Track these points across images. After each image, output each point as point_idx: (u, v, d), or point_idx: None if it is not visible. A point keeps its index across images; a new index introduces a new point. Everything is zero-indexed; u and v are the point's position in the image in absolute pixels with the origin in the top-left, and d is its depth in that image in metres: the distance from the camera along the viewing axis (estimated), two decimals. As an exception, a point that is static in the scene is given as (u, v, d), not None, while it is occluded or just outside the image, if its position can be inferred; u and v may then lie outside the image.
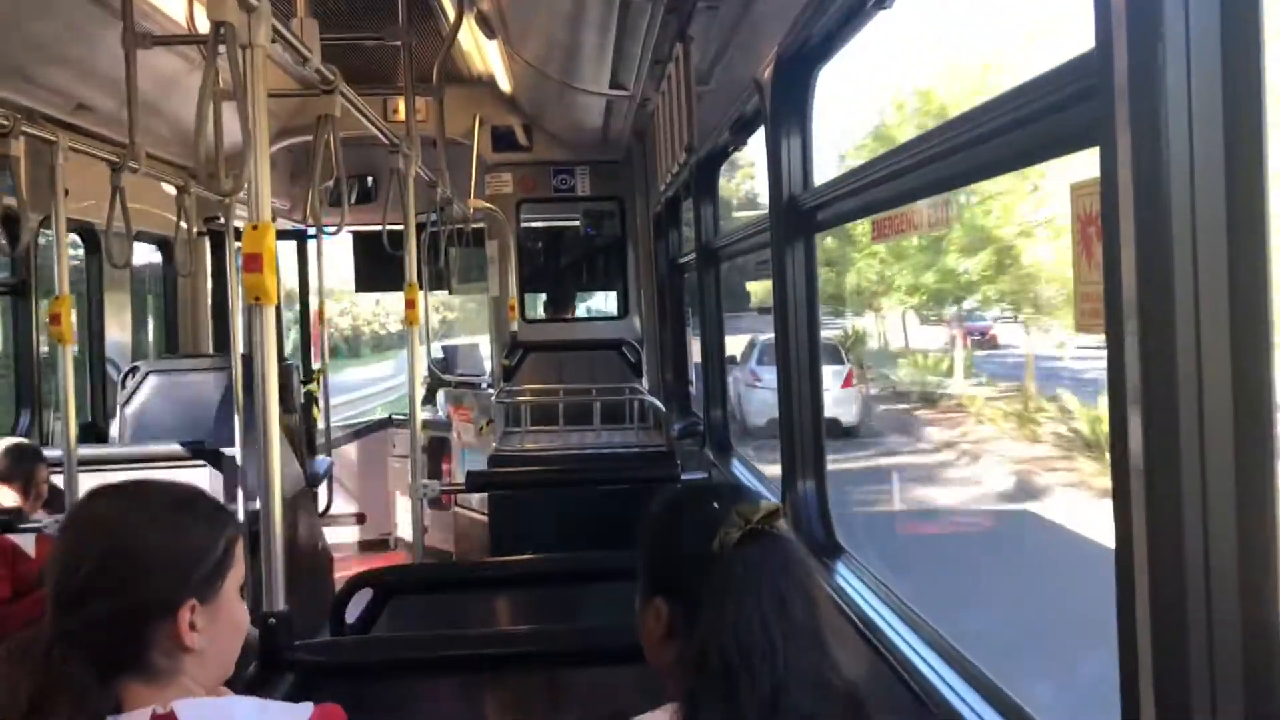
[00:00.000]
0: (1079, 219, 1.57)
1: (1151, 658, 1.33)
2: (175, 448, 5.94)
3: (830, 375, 18.02)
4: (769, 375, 18.42)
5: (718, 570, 1.59)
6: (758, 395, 17.42)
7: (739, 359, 19.81)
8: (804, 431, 3.37)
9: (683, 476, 4.62)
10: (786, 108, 3.29)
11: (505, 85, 7.66)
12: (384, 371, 33.11)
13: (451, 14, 5.89)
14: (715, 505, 1.65)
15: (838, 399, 18.75)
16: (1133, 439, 1.35)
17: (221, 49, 2.65)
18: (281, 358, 7.82)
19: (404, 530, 9.63)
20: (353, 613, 3.10)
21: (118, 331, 7.27)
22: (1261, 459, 1.27)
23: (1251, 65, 1.26)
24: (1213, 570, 1.28)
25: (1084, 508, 11.91)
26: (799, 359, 3.38)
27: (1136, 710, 1.36)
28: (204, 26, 5.45)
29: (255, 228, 2.56)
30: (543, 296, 9.12)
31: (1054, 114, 1.62)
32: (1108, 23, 1.35)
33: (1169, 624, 1.31)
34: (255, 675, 2.39)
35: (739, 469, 5.00)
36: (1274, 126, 1.26)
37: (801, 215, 3.27)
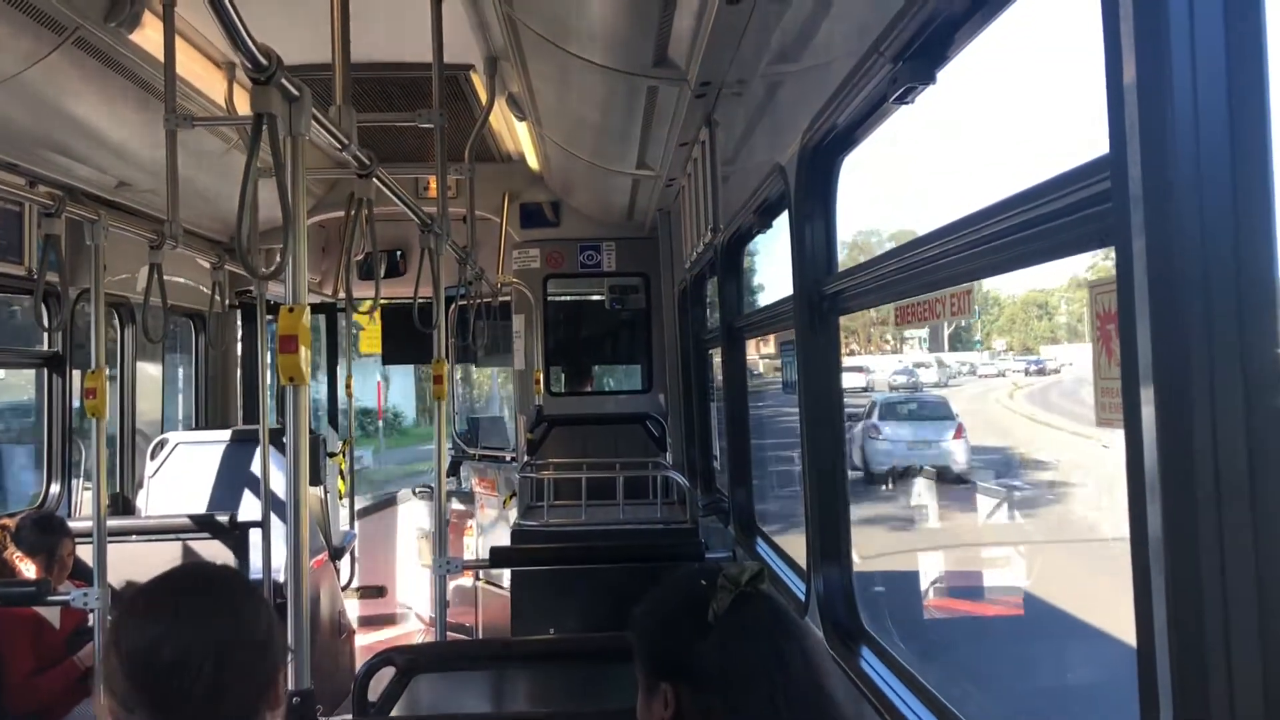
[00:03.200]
0: (1099, 316, 1.60)
1: (1170, 669, 1.34)
2: (202, 520, 5.98)
3: (941, 428, 21.97)
4: (888, 428, 20.62)
5: (715, 638, 1.65)
6: (879, 447, 20.97)
7: (863, 415, 22.47)
8: (828, 515, 3.37)
9: (706, 555, 4.61)
10: (810, 194, 3.34)
11: (534, 164, 7.81)
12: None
13: (484, 97, 6.03)
14: (703, 583, 1.71)
15: (949, 450, 21.20)
16: (1152, 532, 1.36)
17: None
18: (311, 431, 7.88)
19: (423, 604, 9.59)
20: (374, 689, 3.10)
21: (147, 403, 7.35)
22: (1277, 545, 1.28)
23: (1261, 168, 1.30)
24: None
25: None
26: (823, 441, 3.39)
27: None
28: (242, 106, 5.62)
29: (291, 310, 2.62)
30: (567, 369, 9.18)
31: (1069, 214, 1.66)
32: (1121, 129, 1.39)
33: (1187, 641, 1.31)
34: None
35: (762, 548, 4.98)
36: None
37: (824, 299, 3.31)
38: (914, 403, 24.56)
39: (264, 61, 2.51)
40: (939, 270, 2.30)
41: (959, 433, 22.00)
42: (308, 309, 2.71)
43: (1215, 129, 1.31)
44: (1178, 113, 1.32)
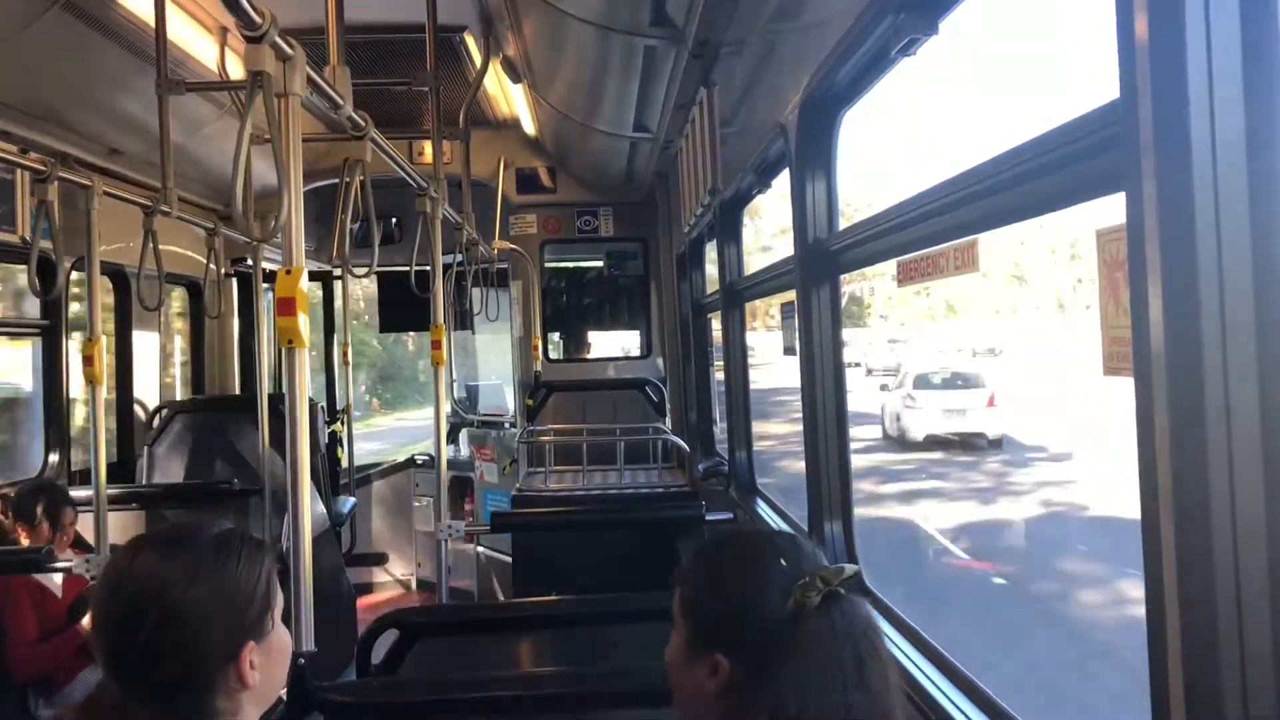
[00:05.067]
0: (1106, 264, 1.58)
1: (1182, 665, 1.33)
2: (202, 487, 5.98)
3: (974, 396, 24.01)
4: (921, 396, 22.63)
5: (797, 634, 1.53)
6: (915, 414, 23.38)
7: (895, 385, 25.08)
8: (830, 472, 3.37)
9: (707, 517, 4.61)
10: (811, 151, 3.32)
11: (530, 128, 7.75)
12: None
13: (478, 59, 5.98)
14: (782, 561, 1.60)
15: (983, 418, 23.33)
16: (1162, 480, 1.35)
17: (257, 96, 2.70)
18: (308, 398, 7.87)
19: (427, 570, 9.62)
20: (377, 653, 3.11)
21: (145, 371, 7.33)
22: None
23: (1274, 111, 1.28)
24: (1245, 613, 1.28)
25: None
26: (825, 400, 3.38)
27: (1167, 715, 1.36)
28: (235, 72, 5.57)
29: (289, 272, 2.60)
30: (565, 335, 9.17)
31: (1080, 161, 1.64)
32: (1132, 72, 1.37)
33: (1198, 634, 1.31)
34: (284, 716, 2.39)
35: (763, 509, 4.99)
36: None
37: (826, 257, 3.29)
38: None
39: (257, 20, 2.48)
40: (944, 223, 2.29)
41: (991, 401, 23.73)
42: (305, 271, 2.69)
43: (1228, 70, 1.29)
44: (1190, 55, 1.30)
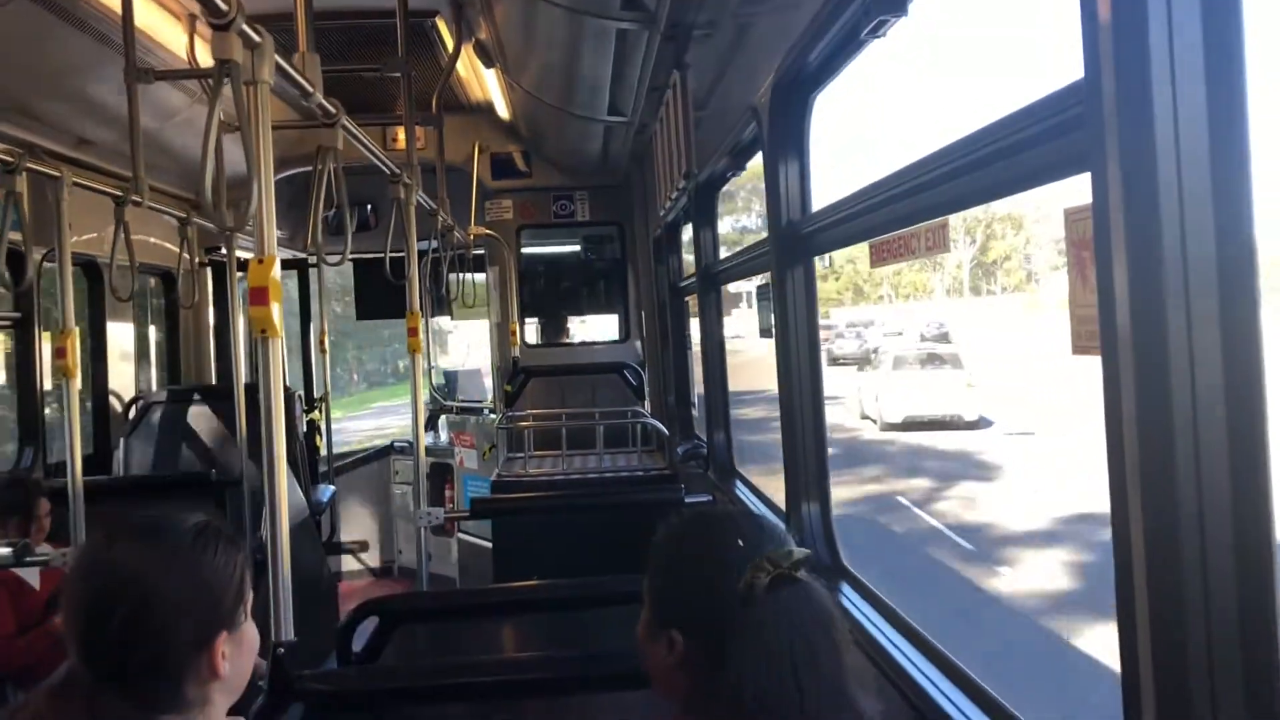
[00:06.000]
0: (1073, 244, 1.59)
1: (1151, 660, 1.35)
2: (179, 478, 5.95)
3: (954, 378, 24.69)
4: (898, 375, 23.97)
5: (746, 614, 1.56)
6: (893, 396, 24.14)
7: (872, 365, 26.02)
8: (807, 453, 3.38)
9: (686, 499, 4.63)
10: (783, 133, 3.32)
11: (504, 113, 7.72)
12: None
13: (450, 44, 5.94)
14: (739, 542, 1.62)
15: (962, 399, 24.07)
16: (1129, 456, 1.37)
17: (225, 84, 2.68)
18: (284, 387, 7.85)
19: (407, 557, 9.62)
20: (358, 641, 3.11)
21: (120, 363, 7.28)
22: (1257, 476, 1.29)
23: (1235, 89, 1.29)
24: (1211, 585, 1.30)
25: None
26: (801, 381, 3.40)
27: (1139, 712, 1.38)
28: (205, 60, 5.51)
29: (260, 262, 2.58)
30: (543, 321, 9.16)
31: (1046, 142, 1.65)
32: (1095, 52, 1.38)
33: (1168, 628, 1.33)
34: (264, 705, 2.40)
35: (741, 491, 5.01)
36: (1257, 148, 1.29)
37: (799, 239, 3.30)
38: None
39: (223, 7, 2.46)
40: (915, 204, 2.30)
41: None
42: (277, 261, 2.68)
43: (1189, 50, 1.30)
44: (1152, 35, 1.30)
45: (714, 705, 1.57)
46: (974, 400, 24.15)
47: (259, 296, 2.58)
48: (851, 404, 26.44)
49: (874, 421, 25.02)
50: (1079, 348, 1.59)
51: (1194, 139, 1.30)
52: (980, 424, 23.69)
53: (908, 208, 2.37)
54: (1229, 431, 1.29)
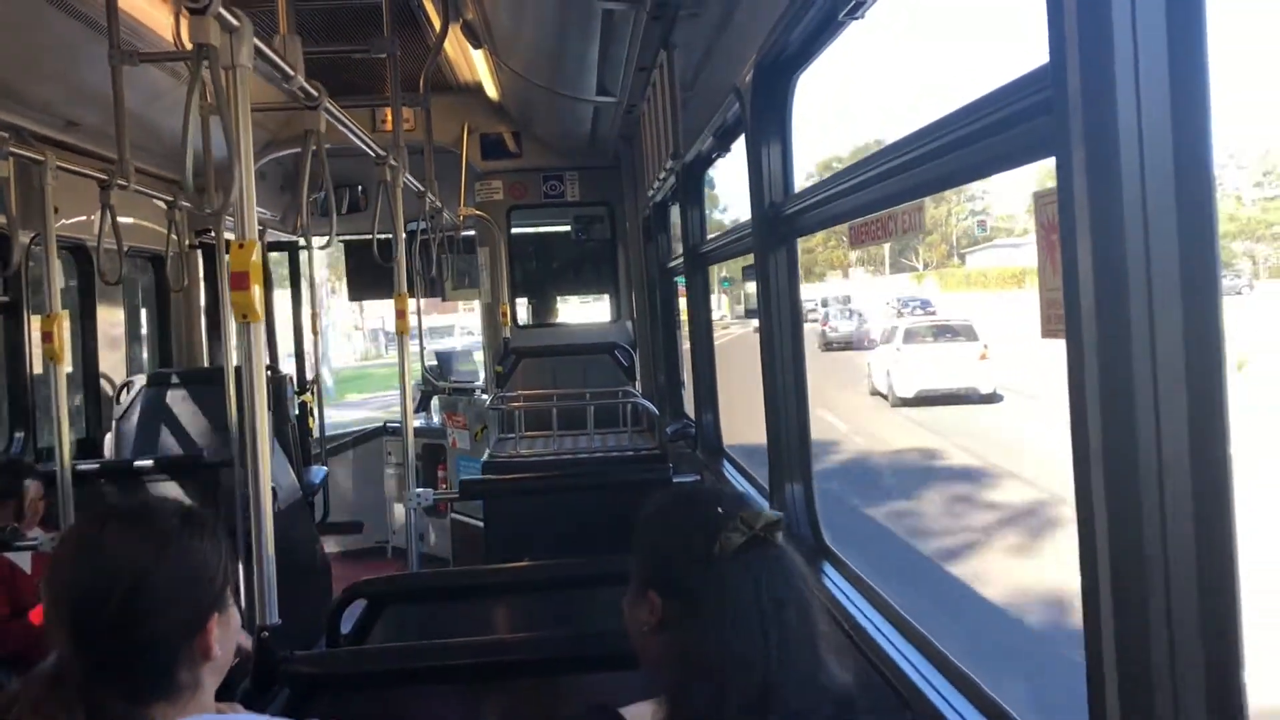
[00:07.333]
0: (1043, 227, 1.60)
1: (1115, 657, 1.37)
2: (170, 461, 5.95)
3: (967, 350, 24.33)
4: (909, 349, 23.61)
5: (717, 573, 1.64)
6: (905, 370, 23.99)
7: (882, 339, 25.42)
8: (790, 434, 3.40)
9: (674, 479, 4.64)
10: (766, 115, 3.32)
11: (493, 93, 7.69)
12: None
13: (437, 24, 5.92)
14: (719, 509, 1.70)
15: (976, 372, 23.75)
16: (1093, 440, 1.38)
17: (206, 67, 2.68)
18: (274, 369, 7.85)
19: (401, 538, 9.64)
20: (348, 623, 3.13)
21: (111, 347, 7.28)
22: (1216, 456, 1.30)
23: (1198, 75, 1.30)
24: (1172, 569, 1.31)
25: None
26: (784, 361, 3.41)
27: (1103, 710, 1.40)
28: (190, 42, 5.48)
29: (241, 246, 2.59)
30: (534, 301, 9.15)
31: (1014, 125, 1.65)
32: (1060, 38, 1.38)
33: (1131, 625, 1.34)
34: (249, 688, 2.41)
35: (729, 471, 5.02)
36: (1218, 134, 1.30)
37: (782, 221, 3.30)
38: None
39: None
40: (891, 187, 2.30)
41: (983, 355, 24.17)
42: (259, 244, 2.68)
43: (1153, 35, 1.30)
44: (1115, 20, 1.31)
45: (684, 663, 1.63)
46: (988, 372, 23.86)
47: (240, 281, 2.58)
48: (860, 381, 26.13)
49: (884, 397, 24.77)
50: (1048, 331, 1.60)
51: (1157, 124, 1.30)
52: (994, 397, 23.54)
53: (886, 189, 2.38)
54: (1189, 413, 1.30)
